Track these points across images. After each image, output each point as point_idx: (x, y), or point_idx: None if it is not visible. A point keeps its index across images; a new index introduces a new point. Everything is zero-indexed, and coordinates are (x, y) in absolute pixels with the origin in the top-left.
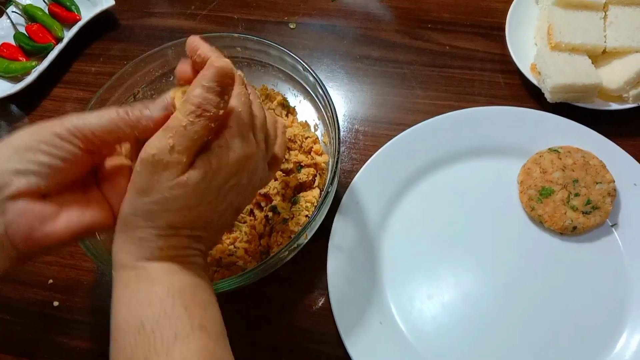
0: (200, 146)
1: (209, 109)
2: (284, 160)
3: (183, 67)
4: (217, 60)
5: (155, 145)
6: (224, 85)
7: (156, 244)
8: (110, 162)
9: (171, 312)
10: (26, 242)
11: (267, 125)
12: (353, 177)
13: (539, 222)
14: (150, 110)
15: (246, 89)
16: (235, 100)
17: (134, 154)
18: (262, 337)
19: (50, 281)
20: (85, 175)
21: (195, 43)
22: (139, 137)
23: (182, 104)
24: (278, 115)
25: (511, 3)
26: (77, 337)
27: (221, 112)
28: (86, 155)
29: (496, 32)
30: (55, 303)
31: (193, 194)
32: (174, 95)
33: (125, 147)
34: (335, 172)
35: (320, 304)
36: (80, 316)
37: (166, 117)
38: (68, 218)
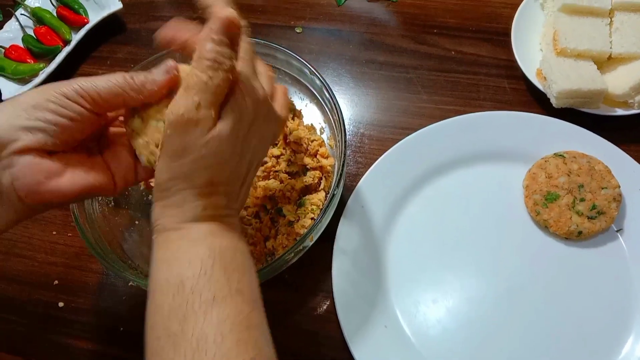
0: (223, 98)
1: (223, 61)
2: (287, 126)
3: (165, 31)
4: (221, 10)
5: (181, 104)
6: (233, 35)
7: (199, 204)
8: (113, 131)
9: (211, 274)
10: (32, 196)
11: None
12: (358, 181)
13: (544, 226)
14: (154, 74)
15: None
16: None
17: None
18: None
19: (56, 282)
20: (90, 140)
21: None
22: (144, 100)
23: (197, 61)
24: None
25: (516, 9)
26: (82, 338)
27: (235, 62)
28: (92, 117)
29: (502, 37)
30: (61, 304)
31: (227, 145)
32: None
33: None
34: (341, 175)
35: (324, 308)
36: (85, 317)
37: (170, 81)
38: (73, 176)
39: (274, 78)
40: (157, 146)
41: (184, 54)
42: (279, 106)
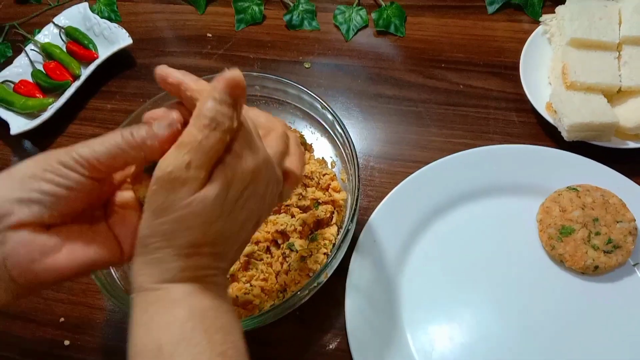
0: (217, 160)
1: (222, 121)
2: (303, 178)
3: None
4: (227, 72)
5: (170, 162)
6: (236, 96)
7: (177, 265)
8: (121, 195)
9: (191, 337)
10: (25, 275)
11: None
12: (369, 214)
13: (559, 261)
14: (155, 129)
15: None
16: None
17: (136, 177)
18: None
19: (62, 319)
20: (94, 208)
21: (169, 73)
22: (146, 158)
23: (195, 119)
24: None
25: (524, 43)
26: None
27: (235, 123)
28: (93, 184)
29: (509, 71)
30: (66, 342)
31: (212, 208)
32: None
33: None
34: (355, 210)
35: (336, 345)
36: (92, 356)
37: (172, 135)
38: (71, 251)
39: (291, 137)
40: None
41: (178, 97)
42: (292, 163)
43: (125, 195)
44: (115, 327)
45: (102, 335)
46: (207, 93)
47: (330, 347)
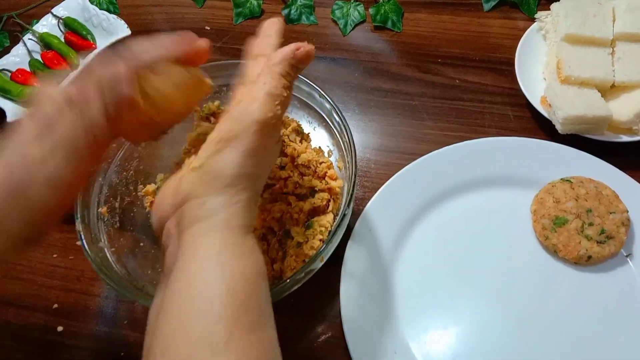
0: None
1: (291, 85)
2: (295, 149)
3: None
4: (306, 44)
5: (269, 109)
6: (303, 66)
7: (254, 210)
8: None
9: (252, 292)
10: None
11: None
12: (365, 205)
13: (553, 251)
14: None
15: None
16: None
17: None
18: None
19: (55, 306)
20: None
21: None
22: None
23: (276, 74)
24: (292, 142)
25: (519, 40)
26: None
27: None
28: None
29: (505, 67)
30: (60, 328)
31: (276, 157)
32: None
33: None
34: (351, 195)
35: (332, 333)
36: (85, 342)
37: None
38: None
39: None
40: None
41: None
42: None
43: None
44: (110, 313)
45: (96, 322)
46: (285, 56)
47: (327, 335)
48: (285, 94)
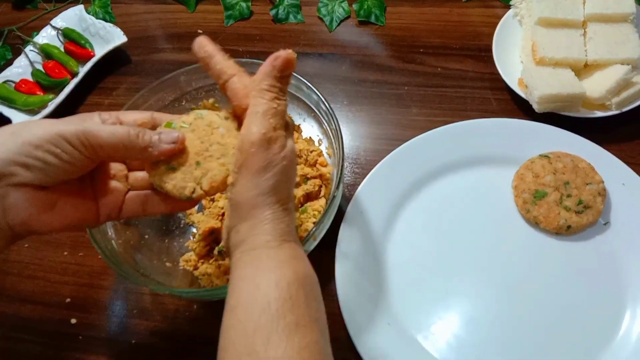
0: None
1: (282, 93)
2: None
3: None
4: (283, 52)
5: (262, 126)
6: (288, 73)
7: (287, 220)
8: (115, 168)
9: (296, 298)
10: (23, 226)
11: None
12: (356, 189)
13: (534, 223)
14: (160, 139)
15: None
16: None
17: (152, 165)
18: None
19: (68, 300)
20: (85, 174)
21: (206, 43)
22: (140, 160)
23: (260, 92)
24: None
25: (496, 27)
26: (95, 353)
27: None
28: (91, 162)
29: (484, 53)
30: (73, 320)
31: (293, 160)
32: (191, 119)
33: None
34: (340, 178)
35: (329, 310)
36: (97, 332)
37: (172, 152)
38: (63, 211)
39: None
40: (195, 181)
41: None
42: None
43: (117, 167)
44: (119, 304)
45: (107, 313)
46: (266, 71)
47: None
48: (275, 105)
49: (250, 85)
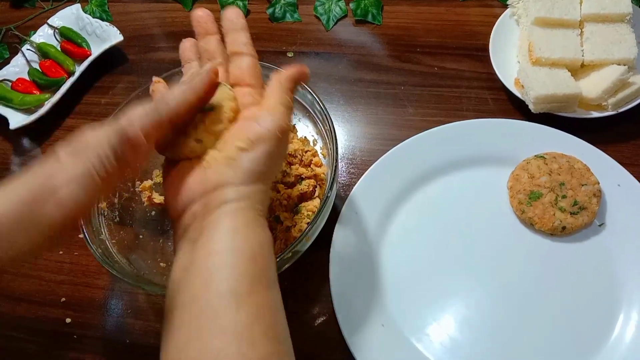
0: None
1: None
2: None
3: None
4: (301, 66)
5: (289, 120)
6: (302, 83)
7: (268, 199)
8: None
9: (269, 258)
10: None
11: None
12: (351, 190)
13: (529, 224)
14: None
15: None
16: None
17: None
18: None
19: (63, 299)
20: None
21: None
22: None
23: (286, 90)
24: None
25: (493, 26)
26: (90, 352)
27: None
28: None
29: (480, 53)
30: (68, 320)
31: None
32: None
33: None
34: (334, 178)
35: (323, 312)
36: (92, 331)
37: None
38: None
39: None
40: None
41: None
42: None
43: None
44: (114, 303)
45: (101, 312)
46: (292, 75)
47: (318, 314)
48: (291, 106)
49: (276, 77)
